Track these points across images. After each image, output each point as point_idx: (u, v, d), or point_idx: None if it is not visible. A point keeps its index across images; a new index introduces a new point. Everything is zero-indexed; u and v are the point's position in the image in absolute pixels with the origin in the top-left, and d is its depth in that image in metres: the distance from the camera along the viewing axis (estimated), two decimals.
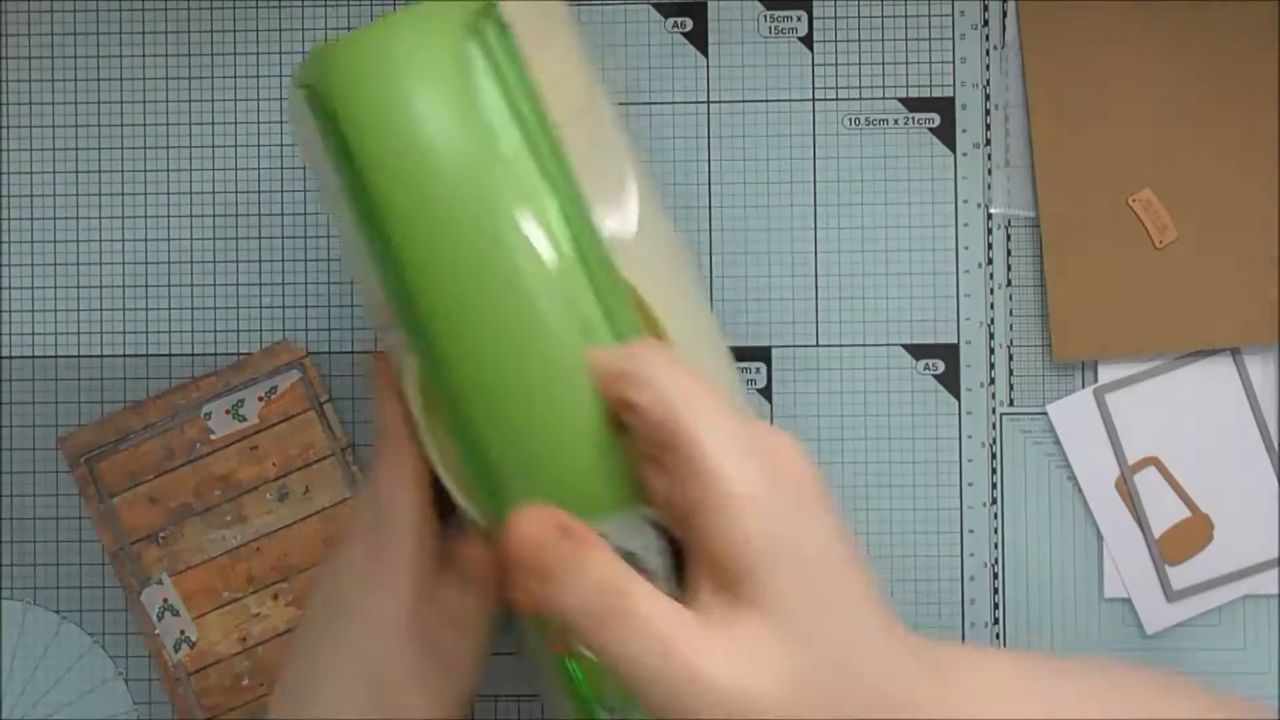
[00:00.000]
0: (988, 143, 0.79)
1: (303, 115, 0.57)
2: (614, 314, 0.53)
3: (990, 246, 0.79)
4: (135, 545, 0.77)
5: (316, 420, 0.78)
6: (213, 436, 0.78)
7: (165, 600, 0.77)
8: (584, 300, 0.52)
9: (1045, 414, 0.78)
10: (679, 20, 0.79)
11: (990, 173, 0.79)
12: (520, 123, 0.53)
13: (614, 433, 0.51)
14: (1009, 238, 0.79)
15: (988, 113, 0.79)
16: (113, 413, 0.78)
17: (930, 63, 0.79)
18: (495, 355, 0.51)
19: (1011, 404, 0.79)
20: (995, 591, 0.78)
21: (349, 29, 0.79)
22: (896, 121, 0.79)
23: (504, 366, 0.51)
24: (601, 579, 0.49)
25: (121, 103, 0.80)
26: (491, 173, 0.51)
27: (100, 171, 0.80)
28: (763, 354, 0.79)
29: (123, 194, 0.80)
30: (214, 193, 0.79)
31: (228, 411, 0.78)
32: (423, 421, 0.58)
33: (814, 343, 0.78)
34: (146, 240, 0.79)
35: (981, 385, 0.79)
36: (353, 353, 0.79)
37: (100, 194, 0.80)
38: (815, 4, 0.79)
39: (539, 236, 0.51)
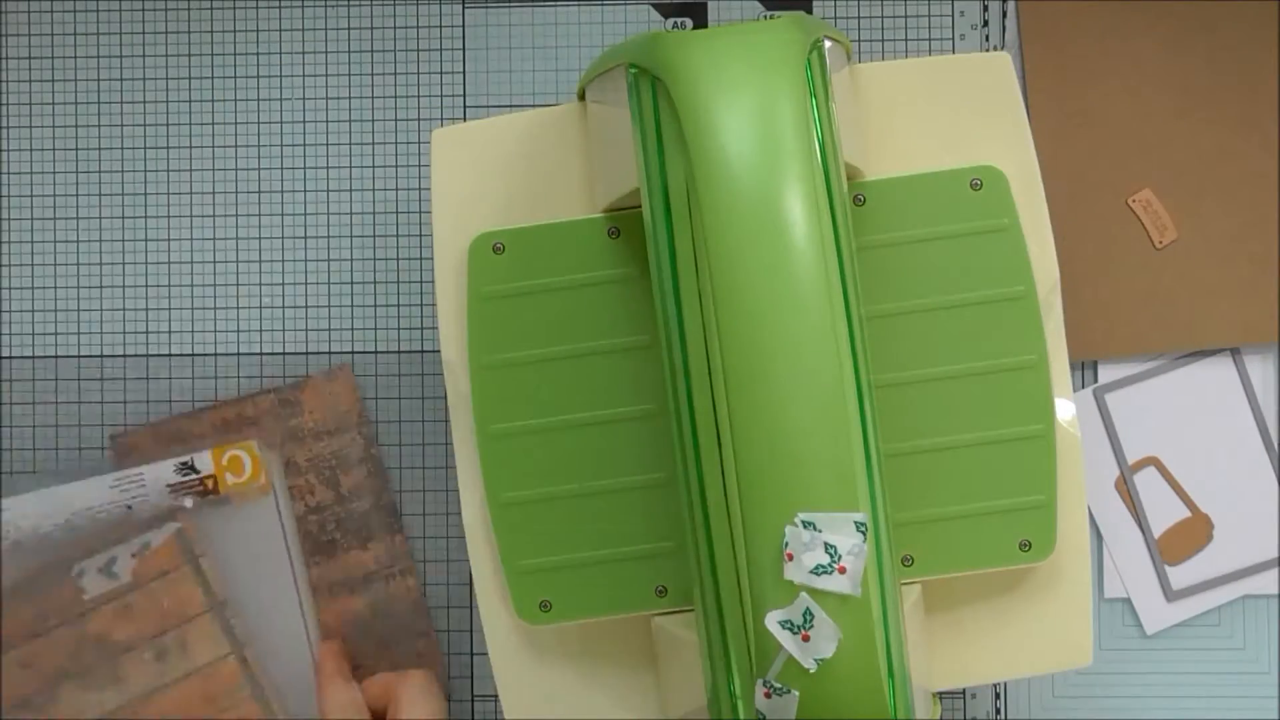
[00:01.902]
0: None
1: (610, 89, 0.63)
2: (855, 330, 0.57)
3: None
4: (10, 714, 0.75)
5: (191, 576, 0.76)
6: (85, 597, 0.76)
7: None
8: (837, 310, 0.56)
9: None
10: (679, 20, 0.79)
11: None
12: (819, 145, 0.57)
13: (855, 438, 0.55)
14: None
15: None
16: None
17: None
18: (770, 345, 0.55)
19: None
20: None
21: (349, 29, 0.79)
22: None
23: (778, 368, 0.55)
24: None
25: (121, 103, 0.80)
26: (791, 186, 0.55)
27: (100, 171, 0.79)
28: None
29: (123, 194, 0.80)
30: (214, 193, 0.79)
31: (100, 570, 0.76)
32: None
33: None
34: (146, 240, 0.79)
35: None
36: (353, 353, 0.79)
37: (100, 194, 0.80)
38: (815, 4, 0.79)
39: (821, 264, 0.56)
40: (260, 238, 0.79)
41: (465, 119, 0.79)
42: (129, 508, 0.76)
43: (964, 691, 0.78)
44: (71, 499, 0.76)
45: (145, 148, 0.79)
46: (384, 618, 0.78)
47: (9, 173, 0.79)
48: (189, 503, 0.76)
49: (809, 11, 0.79)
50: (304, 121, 0.79)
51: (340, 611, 0.78)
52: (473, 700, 0.79)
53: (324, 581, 0.78)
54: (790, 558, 0.54)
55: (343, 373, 0.78)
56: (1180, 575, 0.78)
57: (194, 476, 0.76)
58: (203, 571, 0.76)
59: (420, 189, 0.79)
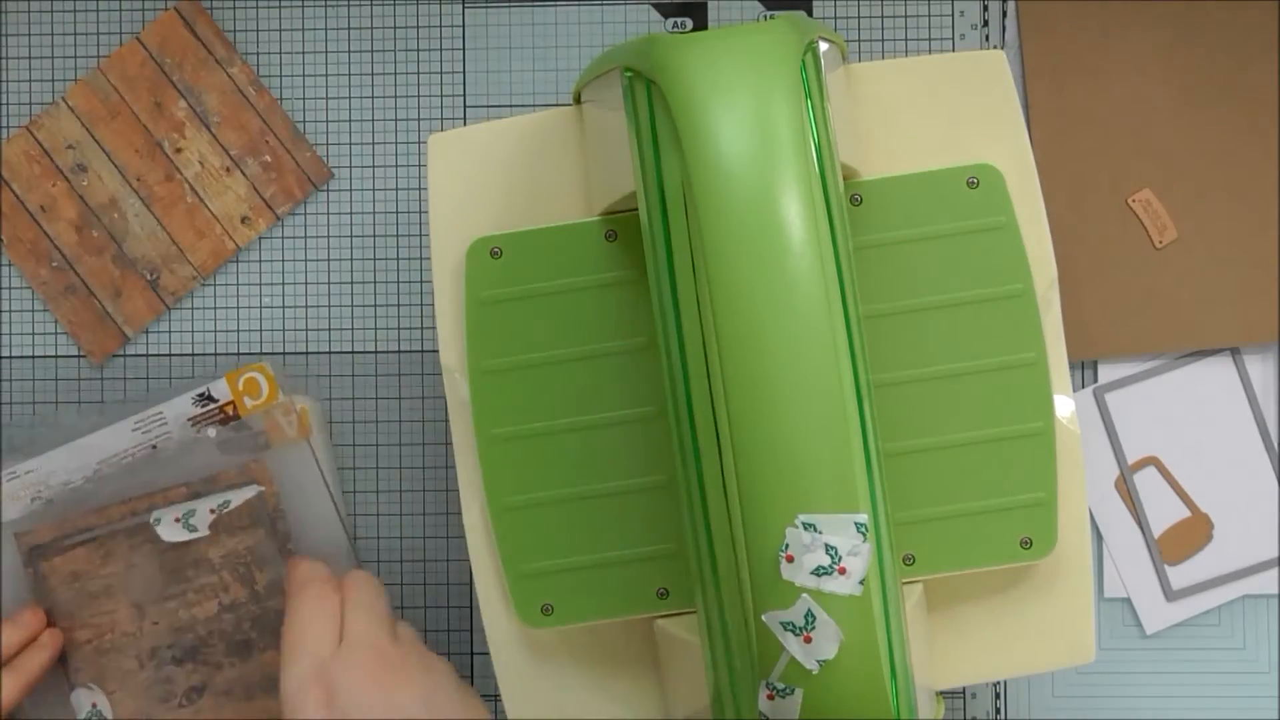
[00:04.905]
0: None
1: (605, 92, 0.63)
2: (854, 329, 0.57)
3: None
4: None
5: (265, 535, 0.76)
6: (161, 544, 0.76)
7: (94, 706, 0.76)
8: (835, 311, 0.56)
9: None
10: (679, 20, 0.79)
11: None
12: (815, 146, 0.57)
13: (854, 440, 0.55)
14: None
15: None
16: (72, 513, 0.76)
17: None
18: (769, 345, 0.55)
19: None
20: None
21: (349, 29, 0.79)
22: None
23: (775, 361, 0.55)
24: None
25: None
26: (787, 187, 0.55)
27: None
28: None
29: None
30: None
31: (178, 520, 0.76)
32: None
33: None
34: None
35: None
36: (353, 353, 0.79)
37: None
38: (815, 4, 0.79)
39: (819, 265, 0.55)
40: (260, 237, 0.79)
41: (465, 119, 0.79)
42: (154, 448, 0.76)
43: (964, 691, 0.78)
44: (97, 448, 0.76)
45: None
46: None
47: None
48: (212, 432, 0.76)
49: (809, 12, 0.79)
50: (304, 121, 0.79)
51: (261, 712, 0.77)
52: None
53: (241, 684, 0.77)
54: (790, 559, 0.54)
55: (257, 466, 0.77)
56: (1180, 575, 0.78)
57: (213, 405, 0.76)
58: (278, 533, 0.76)
59: (420, 189, 0.79)
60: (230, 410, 0.76)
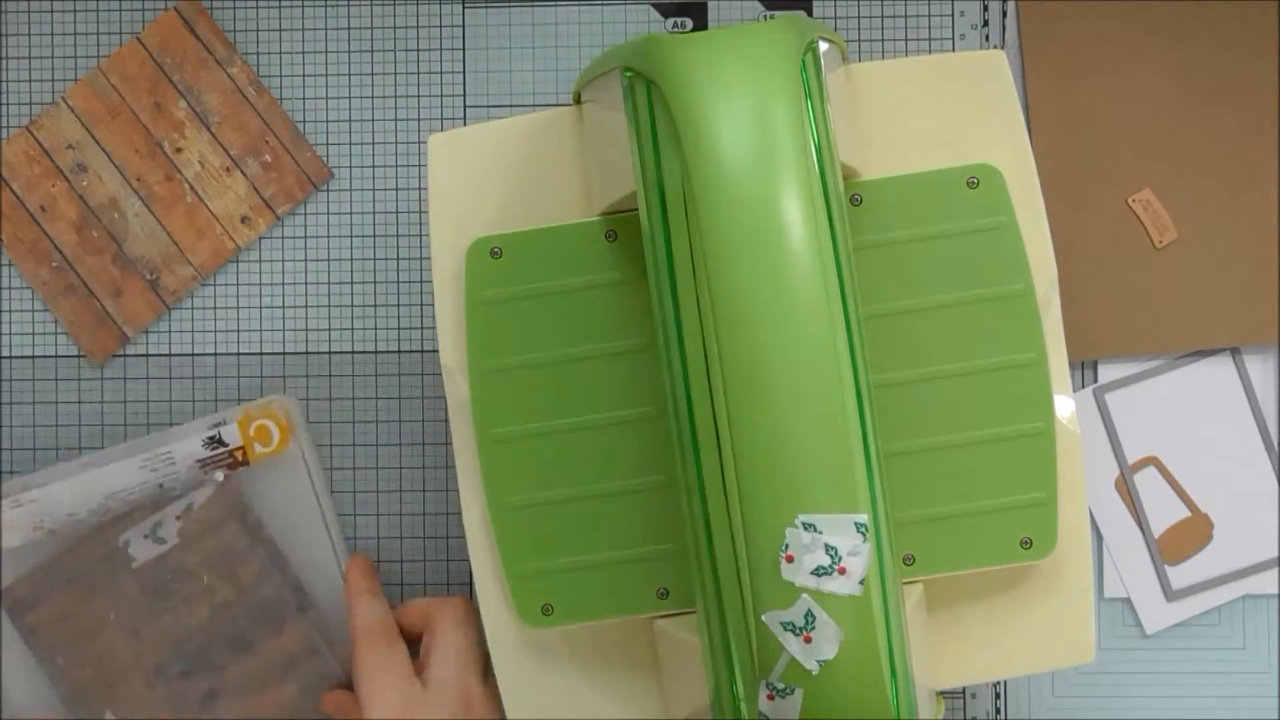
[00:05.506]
0: None
1: (605, 92, 0.63)
2: (854, 329, 0.57)
3: None
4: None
5: (238, 527, 0.76)
6: (135, 565, 0.76)
7: None
8: (835, 311, 0.56)
9: None
10: (679, 20, 0.79)
11: None
12: (815, 146, 0.57)
13: (854, 440, 0.55)
14: None
15: None
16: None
17: None
18: (769, 341, 0.55)
19: None
20: None
21: (349, 29, 0.79)
22: None
23: (774, 356, 0.55)
24: None
25: None
26: (787, 187, 0.55)
27: None
28: None
29: None
30: None
31: (146, 537, 0.75)
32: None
33: None
34: None
35: None
36: (353, 353, 0.79)
37: None
38: (815, 4, 0.79)
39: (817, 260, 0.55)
40: (260, 237, 0.79)
41: (465, 119, 0.79)
42: (160, 486, 0.75)
43: (964, 691, 0.78)
44: (104, 483, 0.75)
45: None
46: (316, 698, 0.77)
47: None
48: (220, 476, 0.76)
49: (809, 12, 0.79)
50: (304, 121, 0.79)
51: (278, 701, 0.77)
52: None
53: (253, 679, 0.76)
54: (790, 559, 0.54)
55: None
56: (1180, 575, 0.78)
57: (223, 450, 0.76)
58: (249, 521, 0.76)
59: (420, 189, 0.79)
60: (240, 455, 0.76)
